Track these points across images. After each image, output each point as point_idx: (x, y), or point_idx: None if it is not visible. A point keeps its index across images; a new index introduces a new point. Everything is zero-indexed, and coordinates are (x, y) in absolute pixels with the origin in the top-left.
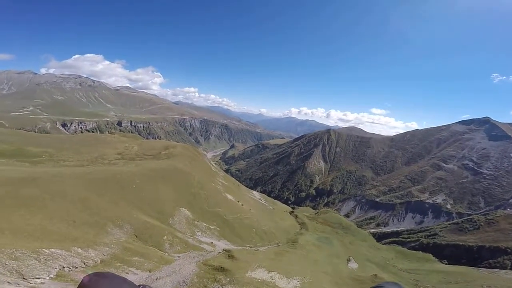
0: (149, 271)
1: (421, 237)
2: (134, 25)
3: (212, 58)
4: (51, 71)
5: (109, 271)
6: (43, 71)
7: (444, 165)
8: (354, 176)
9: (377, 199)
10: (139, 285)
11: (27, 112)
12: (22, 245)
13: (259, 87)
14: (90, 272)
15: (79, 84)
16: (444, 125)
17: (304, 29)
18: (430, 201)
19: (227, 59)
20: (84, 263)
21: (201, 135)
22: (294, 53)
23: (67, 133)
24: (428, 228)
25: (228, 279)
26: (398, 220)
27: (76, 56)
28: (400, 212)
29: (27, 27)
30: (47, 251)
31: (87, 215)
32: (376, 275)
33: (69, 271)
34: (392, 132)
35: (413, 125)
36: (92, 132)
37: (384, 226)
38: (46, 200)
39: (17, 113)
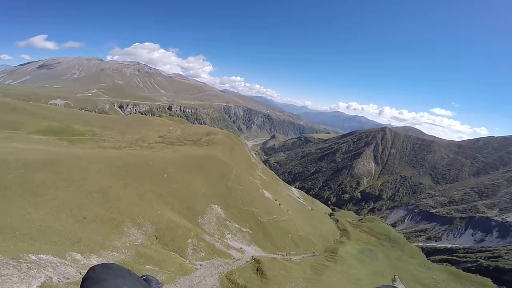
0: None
1: (481, 258)
2: (188, 15)
3: (259, 49)
4: (115, 58)
5: (114, 263)
6: (108, 58)
7: None
8: (408, 183)
9: (433, 211)
10: (142, 275)
11: (90, 94)
12: (3, 249)
13: (305, 79)
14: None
15: (138, 70)
16: None
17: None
18: (499, 219)
19: (273, 51)
20: (80, 273)
21: (244, 124)
22: (346, 43)
23: (122, 114)
24: (491, 248)
25: None
26: (454, 235)
27: (136, 44)
28: (459, 227)
29: (94, 17)
30: (33, 257)
31: (103, 210)
32: None
33: (58, 281)
34: (454, 137)
35: (482, 131)
36: (145, 114)
37: (436, 241)
38: (59, 189)
39: (82, 95)
